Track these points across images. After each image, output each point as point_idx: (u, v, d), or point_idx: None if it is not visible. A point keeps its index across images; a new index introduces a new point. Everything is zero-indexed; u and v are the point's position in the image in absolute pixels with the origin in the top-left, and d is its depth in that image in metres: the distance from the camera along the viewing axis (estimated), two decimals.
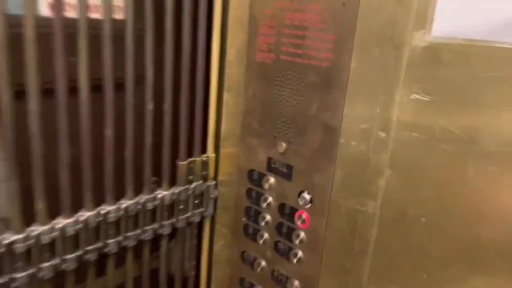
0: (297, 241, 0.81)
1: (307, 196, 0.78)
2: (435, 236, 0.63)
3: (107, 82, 0.71)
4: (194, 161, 0.88)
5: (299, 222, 0.81)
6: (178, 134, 0.84)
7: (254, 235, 0.90)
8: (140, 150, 0.79)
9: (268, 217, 0.86)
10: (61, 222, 0.70)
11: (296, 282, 0.83)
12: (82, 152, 0.70)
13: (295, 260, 0.82)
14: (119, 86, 0.73)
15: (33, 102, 0.62)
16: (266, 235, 0.87)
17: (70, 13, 0.66)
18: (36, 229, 0.67)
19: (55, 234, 0.69)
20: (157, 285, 0.91)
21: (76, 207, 0.72)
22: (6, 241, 0.63)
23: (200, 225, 0.95)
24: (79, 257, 0.73)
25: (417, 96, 0.63)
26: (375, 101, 0.67)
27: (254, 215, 0.89)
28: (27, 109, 0.62)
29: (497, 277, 0.58)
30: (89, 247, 0.75)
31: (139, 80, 0.75)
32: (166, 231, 0.86)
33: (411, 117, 0.64)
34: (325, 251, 0.78)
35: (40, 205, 0.67)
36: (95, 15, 0.69)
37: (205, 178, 0.92)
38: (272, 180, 0.84)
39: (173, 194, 0.85)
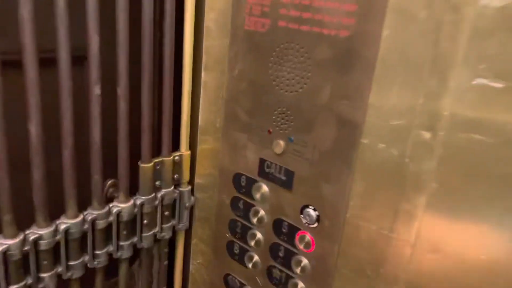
0: (297, 269, 0.62)
1: (312, 212, 0.59)
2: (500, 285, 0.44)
3: (28, 55, 0.48)
4: (162, 161, 0.67)
5: (301, 245, 0.61)
6: (139, 127, 0.62)
7: (241, 256, 0.70)
8: (85, 151, 0.58)
9: (259, 235, 0.66)
10: None
11: None
12: None
13: None
14: (48, 62, 0.50)
15: None
16: (256, 258, 0.68)
17: None
18: None
19: None
20: None
21: None
22: None
23: (172, 242, 0.75)
24: None
25: (484, 81, 0.43)
26: (417, 87, 0.46)
27: (242, 231, 0.69)
28: None
29: None
30: (14, 287, 0.54)
31: (80, 54, 0.53)
32: (125, 254, 0.66)
33: (472, 111, 0.44)
34: (336, 286, 0.59)
35: None
36: None
37: (177, 183, 0.71)
38: (265, 188, 0.64)
39: (133, 206, 0.64)
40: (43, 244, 0.55)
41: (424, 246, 0.49)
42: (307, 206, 0.59)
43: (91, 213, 0.60)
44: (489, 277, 0.46)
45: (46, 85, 0.51)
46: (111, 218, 0.62)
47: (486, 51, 0.42)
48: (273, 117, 0.60)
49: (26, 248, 0.54)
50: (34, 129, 0.50)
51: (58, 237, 0.57)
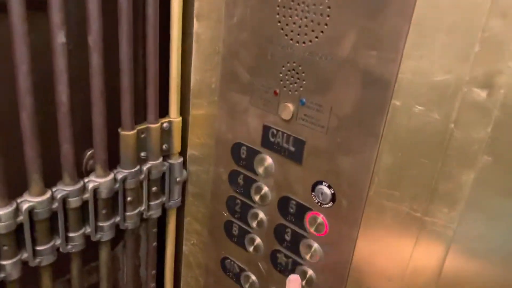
0: (306, 255, 0.53)
1: (326, 190, 0.49)
2: None
3: None
4: (148, 129, 0.56)
5: (311, 228, 0.51)
6: (118, 87, 0.52)
7: (240, 238, 0.61)
8: (51, 114, 0.47)
9: (262, 215, 0.57)
10: None
11: None
12: None
13: (303, 282, 0.54)
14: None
15: None
16: (258, 240, 0.58)
17: None
18: None
19: None
20: None
21: None
22: None
23: (161, 221, 0.66)
24: None
25: None
26: (472, 30, 0.36)
27: (241, 210, 0.59)
28: None
29: None
30: None
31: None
32: (106, 236, 0.56)
33: None
34: (352, 277, 0.49)
35: None
36: None
37: (166, 154, 0.61)
38: (269, 161, 0.53)
39: (113, 181, 0.54)
40: (2, 227, 0.45)
41: (468, 233, 0.40)
42: (320, 183, 0.49)
43: (61, 190, 0.50)
44: None
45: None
46: (86, 195, 0.52)
47: None
48: (281, 75, 0.49)
49: None
50: None
51: (20, 218, 0.47)
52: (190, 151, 0.64)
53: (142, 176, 0.58)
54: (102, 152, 0.52)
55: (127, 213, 0.58)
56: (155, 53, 0.52)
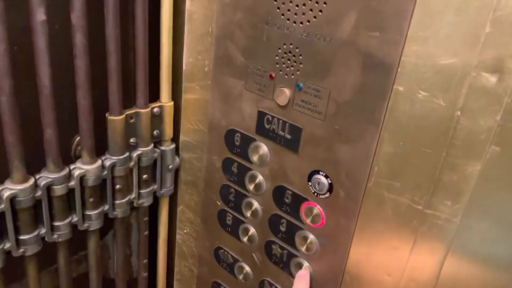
0: (302, 247, 0.51)
1: (323, 180, 0.46)
2: None
3: None
4: (137, 113, 0.54)
5: (308, 219, 0.49)
6: (105, 69, 0.49)
7: (234, 228, 0.59)
8: (33, 97, 0.45)
9: (256, 205, 0.54)
10: None
11: None
12: None
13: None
14: None
15: None
16: (252, 231, 0.56)
17: None
18: None
19: None
20: None
21: None
22: None
23: (154, 209, 0.64)
24: None
25: None
26: (483, 8, 0.33)
27: (235, 199, 0.57)
28: None
29: None
30: None
31: None
32: (94, 225, 0.54)
33: None
34: (350, 270, 0.47)
35: None
36: None
37: (158, 141, 0.58)
38: (264, 149, 0.51)
39: (101, 168, 0.52)
40: None
41: (472, 228, 0.38)
42: (317, 172, 0.47)
43: (45, 177, 0.48)
44: None
45: None
46: (73, 183, 0.50)
47: None
48: (277, 58, 0.46)
49: None
50: None
51: (0, 206, 0.45)
52: (182, 138, 0.61)
53: (132, 163, 0.55)
54: (88, 137, 0.49)
55: (116, 202, 0.56)
56: (144, 32, 0.49)
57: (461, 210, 0.38)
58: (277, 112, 0.48)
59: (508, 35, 0.32)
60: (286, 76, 0.46)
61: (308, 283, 0.50)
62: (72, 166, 0.50)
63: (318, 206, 0.48)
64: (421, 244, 0.41)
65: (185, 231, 0.68)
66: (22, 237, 0.48)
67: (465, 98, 0.35)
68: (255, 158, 0.52)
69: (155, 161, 0.59)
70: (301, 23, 0.43)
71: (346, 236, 0.46)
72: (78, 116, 0.49)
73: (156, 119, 0.56)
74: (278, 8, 0.44)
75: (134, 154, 0.55)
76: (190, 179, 0.63)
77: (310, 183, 0.48)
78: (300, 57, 0.44)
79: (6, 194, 0.45)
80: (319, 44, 0.42)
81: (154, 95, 0.56)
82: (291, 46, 0.44)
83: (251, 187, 0.54)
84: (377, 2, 0.37)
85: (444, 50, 0.35)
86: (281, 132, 0.48)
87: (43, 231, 0.50)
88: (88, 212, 0.53)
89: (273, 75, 0.47)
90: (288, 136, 0.48)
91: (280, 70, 0.46)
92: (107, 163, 0.52)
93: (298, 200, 0.50)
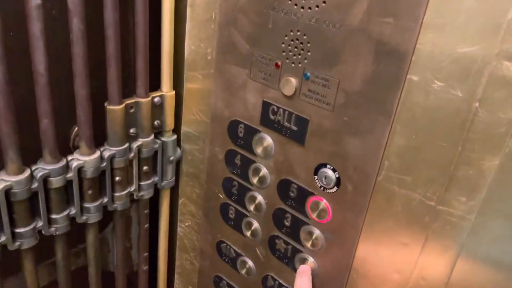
0: (307, 243, 0.49)
1: (331, 173, 0.44)
2: None
3: None
4: (137, 103, 0.52)
5: (313, 214, 0.47)
6: (103, 56, 0.47)
7: (237, 222, 0.57)
8: (29, 85, 0.43)
9: (260, 199, 0.53)
10: None
11: None
12: None
13: None
14: None
15: None
16: (256, 225, 0.55)
17: None
18: None
19: None
20: None
21: None
22: None
23: (154, 202, 0.62)
24: None
25: None
26: None
27: (238, 192, 0.55)
28: None
29: None
30: None
31: None
32: (93, 218, 0.53)
33: None
34: (356, 268, 0.46)
35: None
36: None
37: (158, 131, 0.57)
38: (269, 141, 0.49)
39: (100, 159, 0.50)
40: None
41: (488, 226, 0.36)
42: (324, 165, 0.45)
43: (41, 169, 0.46)
44: None
45: None
46: (70, 175, 0.48)
47: None
48: (283, 45, 0.44)
49: None
50: None
51: None
52: (184, 128, 0.59)
53: (132, 154, 0.53)
54: (87, 128, 0.48)
55: (116, 194, 0.54)
56: (144, 18, 0.47)
57: (477, 207, 0.36)
58: (283, 102, 0.46)
59: None
60: (292, 65, 0.44)
61: (310, 279, 0.48)
62: (69, 157, 0.48)
63: (325, 201, 0.46)
64: (432, 241, 0.39)
65: (186, 224, 0.66)
66: (18, 230, 0.46)
67: (484, 88, 0.33)
68: (259, 150, 0.50)
69: (155, 152, 0.57)
70: (309, 8, 0.41)
71: (354, 232, 0.45)
72: (75, 105, 0.47)
73: (157, 109, 0.55)
74: None
75: (134, 145, 0.53)
76: (192, 171, 0.61)
77: (316, 176, 0.46)
78: (308, 45, 0.42)
79: (1, 186, 0.43)
80: (328, 31, 0.40)
81: (154, 84, 0.54)
82: (298, 33, 0.42)
83: (254, 180, 0.52)
84: None
85: (462, 38, 0.33)
86: (286, 123, 0.46)
87: (39, 224, 0.48)
88: (86, 205, 0.51)
89: (279, 63, 0.45)
90: (294, 128, 0.46)
91: (287, 59, 0.44)
92: (106, 154, 0.51)
93: (303, 194, 0.48)
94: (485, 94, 0.33)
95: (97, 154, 0.50)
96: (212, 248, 0.62)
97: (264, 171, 0.51)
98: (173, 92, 0.55)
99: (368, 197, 0.42)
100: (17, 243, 0.47)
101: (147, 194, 0.58)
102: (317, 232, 0.48)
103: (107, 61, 0.46)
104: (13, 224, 0.46)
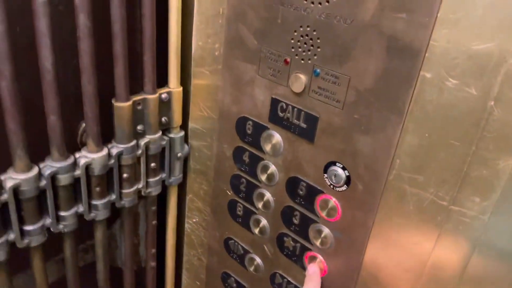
0: (316, 241, 0.49)
1: (340, 171, 0.44)
2: None
3: None
4: (145, 100, 0.52)
5: (323, 212, 0.47)
6: (110, 52, 0.46)
7: (245, 219, 0.57)
8: (36, 81, 0.43)
9: (268, 196, 0.52)
10: None
11: None
12: None
13: None
14: None
15: None
16: (264, 222, 0.54)
17: None
18: None
19: None
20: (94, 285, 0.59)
21: None
22: None
23: (162, 198, 0.62)
24: None
25: None
26: None
27: (247, 189, 0.55)
28: None
29: None
30: None
31: None
32: (101, 215, 0.53)
33: None
34: (366, 267, 0.45)
35: None
36: None
37: (166, 128, 0.56)
38: (277, 138, 0.48)
39: (107, 157, 0.50)
40: None
41: (502, 227, 0.35)
42: (333, 164, 0.44)
43: (49, 166, 0.46)
44: None
45: None
46: (78, 172, 0.48)
47: None
48: (292, 41, 0.43)
49: None
50: None
51: (4, 196, 0.43)
52: (191, 125, 0.59)
53: (140, 151, 0.53)
54: (94, 125, 0.47)
55: (124, 191, 0.54)
56: (151, 13, 0.47)
57: (490, 208, 0.35)
58: (292, 99, 0.45)
59: None
60: (302, 61, 0.43)
61: (319, 281, 0.48)
62: (77, 155, 0.48)
63: (334, 199, 0.45)
64: (444, 241, 0.39)
65: (194, 220, 0.66)
66: (26, 228, 0.46)
67: (500, 87, 0.32)
68: (267, 147, 0.50)
69: (163, 149, 0.57)
70: (320, 3, 0.40)
71: (364, 230, 0.44)
72: (82, 102, 0.47)
73: (164, 106, 0.54)
74: None
75: (142, 142, 0.53)
76: (200, 168, 0.61)
77: (326, 175, 0.45)
78: (318, 41, 0.41)
79: (10, 184, 0.43)
80: (339, 26, 0.39)
81: (162, 80, 0.54)
82: (308, 29, 0.41)
83: (263, 177, 0.52)
84: None
85: (478, 34, 0.32)
86: (295, 120, 0.46)
87: (48, 221, 0.48)
88: (94, 202, 0.51)
89: (288, 59, 0.44)
90: (303, 125, 0.45)
91: (296, 55, 0.43)
92: (114, 151, 0.50)
93: (313, 192, 0.47)
94: (501, 92, 0.32)
95: (104, 151, 0.49)
96: (220, 245, 0.62)
97: (272, 168, 0.50)
98: (181, 89, 0.55)
99: (379, 196, 0.42)
100: (26, 241, 0.47)
101: (154, 190, 0.58)
102: (326, 230, 0.47)
103: (114, 57, 0.46)
104: (21, 221, 0.46)
